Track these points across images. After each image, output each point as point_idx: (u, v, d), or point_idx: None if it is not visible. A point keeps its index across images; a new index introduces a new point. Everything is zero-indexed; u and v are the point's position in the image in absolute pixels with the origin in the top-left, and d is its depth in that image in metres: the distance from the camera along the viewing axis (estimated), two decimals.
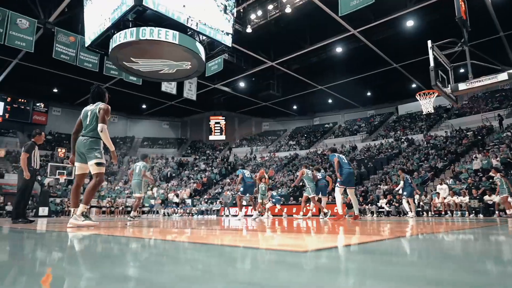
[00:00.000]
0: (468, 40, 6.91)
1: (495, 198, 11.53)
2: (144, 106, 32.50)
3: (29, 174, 6.33)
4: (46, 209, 17.15)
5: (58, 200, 21.30)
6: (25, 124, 28.68)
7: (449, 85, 6.99)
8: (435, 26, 16.54)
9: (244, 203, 20.49)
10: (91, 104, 4.27)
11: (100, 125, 4.05)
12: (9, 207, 19.84)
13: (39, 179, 23.05)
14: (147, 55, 10.31)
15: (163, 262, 1.38)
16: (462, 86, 6.77)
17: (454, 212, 12.75)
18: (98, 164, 4.10)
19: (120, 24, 9.69)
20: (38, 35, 15.12)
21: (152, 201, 22.88)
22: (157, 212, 21.83)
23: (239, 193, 9.72)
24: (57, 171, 21.12)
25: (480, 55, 7.16)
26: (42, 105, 29.40)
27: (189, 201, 23.04)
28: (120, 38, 9.50)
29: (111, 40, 9.84)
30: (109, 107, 4.21)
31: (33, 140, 6.70)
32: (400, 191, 11.96)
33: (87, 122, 4.15)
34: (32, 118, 28.65)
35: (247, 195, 9.72)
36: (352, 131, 30.22)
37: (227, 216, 18.55)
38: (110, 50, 9.93)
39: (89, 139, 4.11)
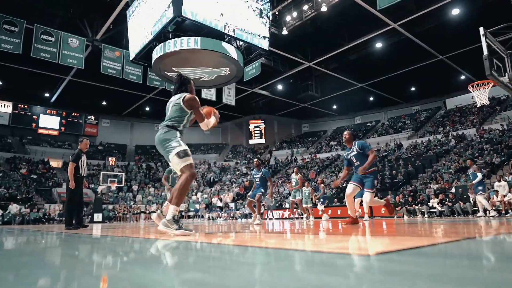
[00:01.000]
0: None
1: None
2: None
3: (74, 184, 6.38)
4: (100, 215, 18.20)
5: (110, 207, 22.53)
6: (78, 136, 30.78)
7: (506, 74, 6.46)
8: (484, 13, 15.48)
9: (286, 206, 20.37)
10: (174, 96, 3.63)
11: (203, 125, 3.53)
12: None
13: (92, 186, 24.58)
14: (187, 64, 10.62)
15: (230, 267, 1.39)
16: None
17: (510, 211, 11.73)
18: (179, 154, 3.22)
19: (161, 36, 10.07)
20: (87, 52, 16.18)
21: (197, 206, 23.47)
22: (202, 217, 22.35)
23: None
24: (109, 179, 22.39)
25: None
26: (93, 118, 31.39)
27: (232, 205, 23.36)
28: (161, 49, 9.87)
29: (153, 52, 10.27)
30: (196, 97, 3.51)
31: (79, 148, 6.81)
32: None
33: (167, 114, 3.51)
34: (84, 130, 30.69)
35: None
36: (396, 128, 29.01)
37: (270, 219, 18.53)
38: (152, 61, 10.35)
39: (163, 131, 3.37)
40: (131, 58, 11.62)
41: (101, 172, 23.25)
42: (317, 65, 21.84)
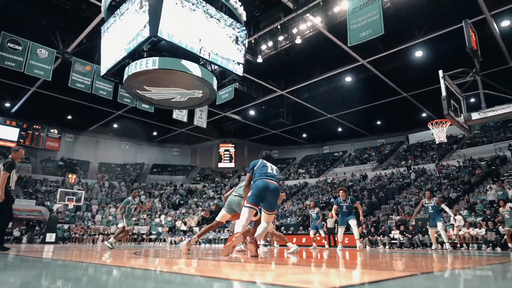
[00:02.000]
0: (479, 70, 6.93)
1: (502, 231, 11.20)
2: (155, 133, 32.96)
3: (3, 196, 5.70)
4: (54, 235, 17.09)
5: (66, 226, 21.23)
6: (38, 150, 29.23)
7: (461, 115, 6.94)
8: (444, 57, 16.70)
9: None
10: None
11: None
12: (16, 233, 19.85)
13: (48, 204, 23.17)
14: (160, 83, 10.52)
15: None
16: (475, 115, 6.72)
17: (470, 245, 12.26)
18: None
19: (135, 54, 9.98)
20: (56, 64, 15.69)
21: (160, 229, 22.65)
22: (164, 240, 21.53)
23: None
24: (67, 197, 21.25)
25: (492, 85, 7.15)
26: (56, 132, 29.99)
27: (196, 229, 22.74)
28: (134, 67, 9.76)
29: (125, 69, 10.12)
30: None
31: (12, 157, 6.13)
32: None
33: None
34: (45, 144, 29.16)
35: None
36: (362, 159, 29.95)
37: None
38: (124, 78, 10.18)
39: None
40: (101, 74, 11.35)
41: (59, 189, 22.02)
42: (289, 94, 22.40)
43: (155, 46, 10.24)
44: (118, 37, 10.29)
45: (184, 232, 22.50)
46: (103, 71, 11.19)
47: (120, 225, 8.68)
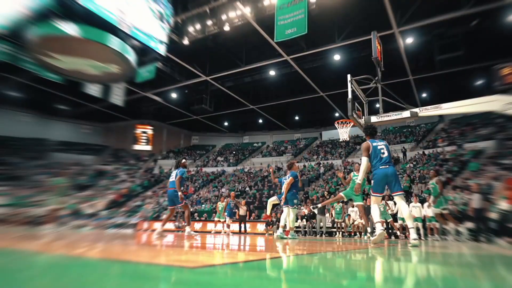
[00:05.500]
0: (381, 79, 7.79)
1: None
2: (62, 107, 29.72)
3: None
4: None
5: None
6: None
7: (363, 117, 7.74)
8: (356, 63, 18.28)
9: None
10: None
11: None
12: None
13: None
14: (70, 52, 9.57)
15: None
16: (373, 118, 7.56)
17: (362, 233, 13.80)
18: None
19: (41, 15, 8.87)
20: None
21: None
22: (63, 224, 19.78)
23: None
24: None
25: (391, 94, 8.09)
26: None
27: (104, 213, 21.38)
28: (40, 29, 8.70)
29: (28, 30, 8.95)
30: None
31: None
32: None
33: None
34: None
35: None
36: (279, 151, 31.31)
37: (145, 231, 17.57)
38: (26, 41, 9.00)
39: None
40: None
41: None
42: (213, 80, 22.23)
43: (68, 10, 9.24)
44: None
45: (90, 215, 20.95)
46: None
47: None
